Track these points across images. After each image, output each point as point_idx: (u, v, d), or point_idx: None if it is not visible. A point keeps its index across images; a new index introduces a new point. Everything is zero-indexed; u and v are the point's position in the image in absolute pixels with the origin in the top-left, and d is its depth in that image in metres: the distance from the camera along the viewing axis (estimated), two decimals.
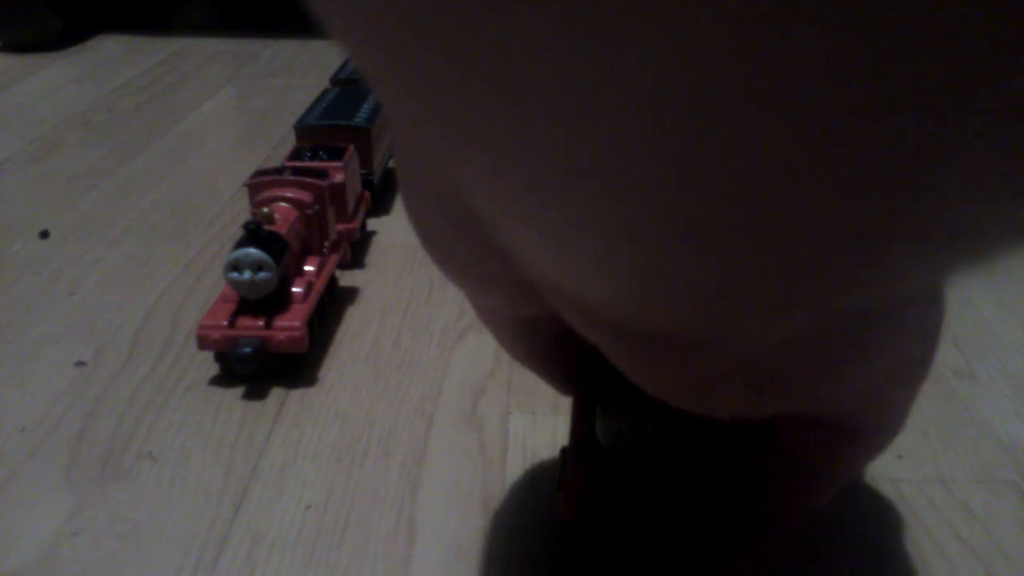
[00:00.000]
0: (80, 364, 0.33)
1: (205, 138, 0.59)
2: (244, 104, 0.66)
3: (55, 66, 0.75)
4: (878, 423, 0.15)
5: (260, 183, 0.35)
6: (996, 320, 0.36)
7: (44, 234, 0.44)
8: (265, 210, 0.33)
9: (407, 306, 0.38)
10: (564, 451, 0.22)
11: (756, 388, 0.13)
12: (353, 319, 0.37)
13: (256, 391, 0.31)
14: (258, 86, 0.70)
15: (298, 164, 0.38)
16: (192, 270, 0.41)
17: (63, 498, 0.26)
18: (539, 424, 0.30)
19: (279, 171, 0.36)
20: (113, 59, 0.78)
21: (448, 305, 0.38)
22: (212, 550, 0.25)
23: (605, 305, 0.11)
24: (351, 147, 0.41)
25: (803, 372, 0.12)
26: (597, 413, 0.20)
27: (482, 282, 0.14)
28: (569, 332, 0.18)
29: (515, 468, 0.28)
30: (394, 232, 0.45)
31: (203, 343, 0.31)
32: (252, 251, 0.30)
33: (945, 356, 0.33)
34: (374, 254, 0.42)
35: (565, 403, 0.31)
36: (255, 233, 0.31)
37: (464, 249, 0.13)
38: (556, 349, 0.19)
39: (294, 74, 0.73)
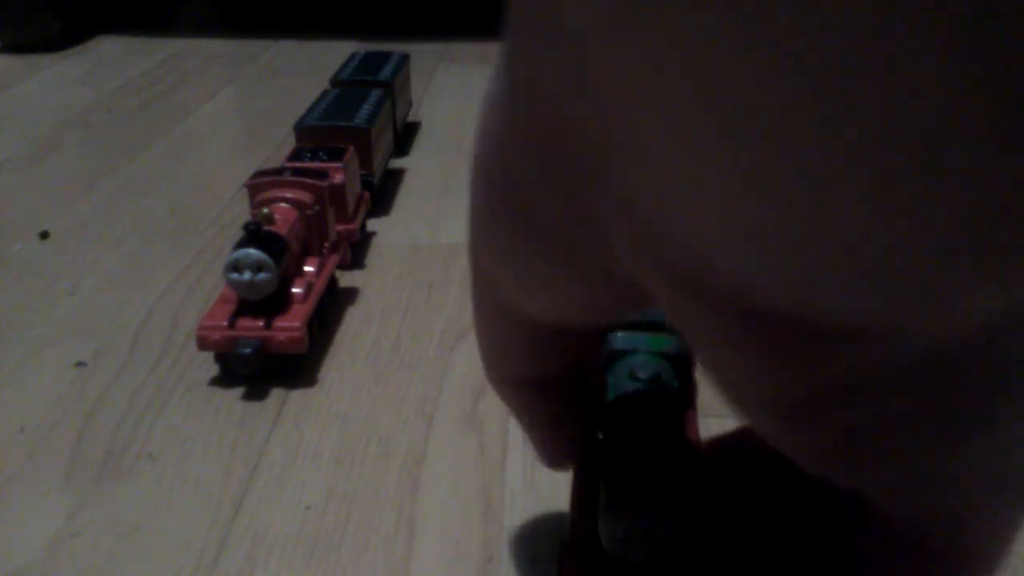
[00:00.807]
0: (80, 365, 0.33)
1: (205, 139, 0.59)
2: (244, 105, 0.66)
3: (55, 67, 0.75)
4: (967, 555, 0.12)
5: (260, 184, 0.35)
6: None
7: (44, 235, 0.44)
8: (265, 211, 0.33)
9: (407, 306, 0.37)
10: (563, 548, 0.20)
11: (864, 434, 0.11)
12: (353, 319, 0.36)
13: (256, 392, 0.31)
14: (258, 87, 0.70)
15: (298, 165, 0.38)
16: (192, 271, 0.41)
17: (63, 499, 0.26)
18: None
19: (279, 172, 0.36)
20: (113, 60, 0.78)
21: (448, 306, 0.37)
22: (212, 550, 0.24)
23: (745, 264, 0.09)
24: (351, 148, 0.41)
25: (923, 424, 0.11)
26: (600, 506, 0.18)
27: (554, 255, 0.11)
28: (586, 378, 0.16)
29: (515, 469, 0.28)
30: (394, 233, 0.45)
31: (203, 344, 0.31)
32: (252, 252, 0.30)
33: None
34: (374, 255, 0.42)
35: None
36: (255, 234, 0.31)
37: (554, 207, 0.11)
38: (567, 387, 0.16)
39: (294, 75, 0.73)
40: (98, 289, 0.39)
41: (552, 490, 0.27)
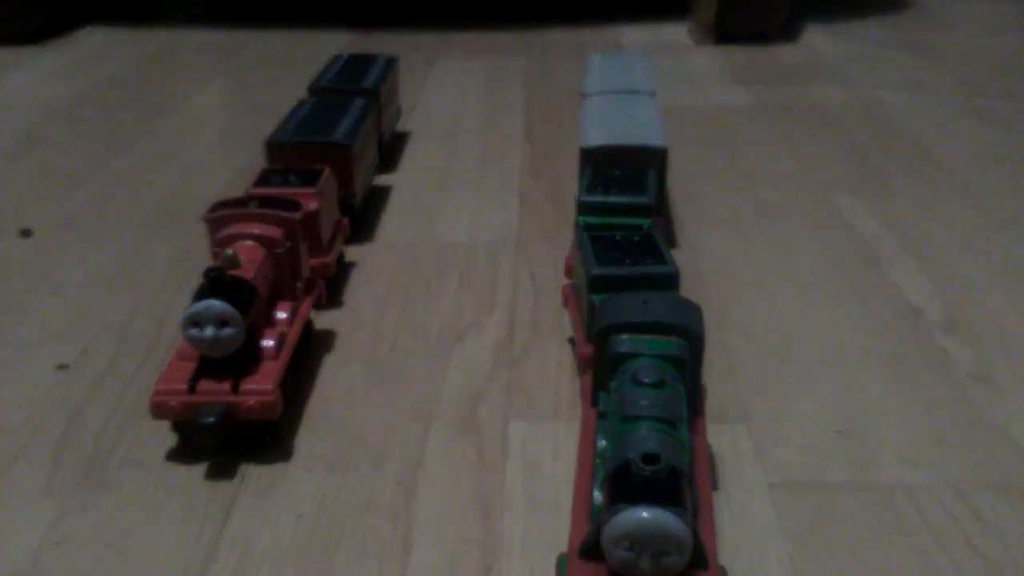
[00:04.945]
0: (63, 367, 0.32)
1: (194, 132, 0.58)
2: (233, 97, 0.65)
3: (39, 59, 0.74)
4: None
5: (222, 218, 0.31)
6: (1013, 323, 0.35)
7: (26, 232, 0.43)
8: (229, 251, 0.28)
9: (403, 307, 0.37)
10: (564, 558, 0.20)
11: None
12: (348, 321, 0.35)
13: None
14: (247, 78, 0.69)
15: (265, 192, 0.34)
16: (179, 269, 0.40)
17: (46, 506, 0.25)
18: (540, 430, 0.29)
19: (243, 203, 0.31)
20: (99, 51, 0.76)
21: (446, 306, 0.37)
22: (200, 561, 0.24)
23: None
24: (326, 169, 0.36)
25: None
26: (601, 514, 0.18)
27: None
28: None
29: (515, 476, 0.27)
30: (393, 230, 0.44)
31: (159, 411, 0.27)
32: (215, 303, 0.26)
33: (960, 359, 0.33)
34: (371, 253, 0.41)
35: (566, 409, 0.30)
36: (217, 282, 0.27)
37: None
38: None
39: (284, 66, 0.72)
40: (82, 289, 0.38)
41: (553, 497, 0.26)
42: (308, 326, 0.33)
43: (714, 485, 0.26)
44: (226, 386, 0.27)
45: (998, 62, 0.72)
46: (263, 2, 0.93)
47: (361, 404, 0.30)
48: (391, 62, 0.52)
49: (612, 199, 0.33)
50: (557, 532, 0.24)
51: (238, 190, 0.48)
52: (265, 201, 0.31)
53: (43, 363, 0.32)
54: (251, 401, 0.26)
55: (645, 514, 0.18)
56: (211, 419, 0.26)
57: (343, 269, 0.39)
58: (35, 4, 0.77)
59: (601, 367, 0.25)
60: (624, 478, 0.19)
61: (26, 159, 0.53)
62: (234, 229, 0.30)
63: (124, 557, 0.24)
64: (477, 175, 0.50)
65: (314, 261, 0.34)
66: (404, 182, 0.49)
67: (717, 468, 0.27)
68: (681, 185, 0.48)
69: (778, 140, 0.55)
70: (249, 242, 0.30)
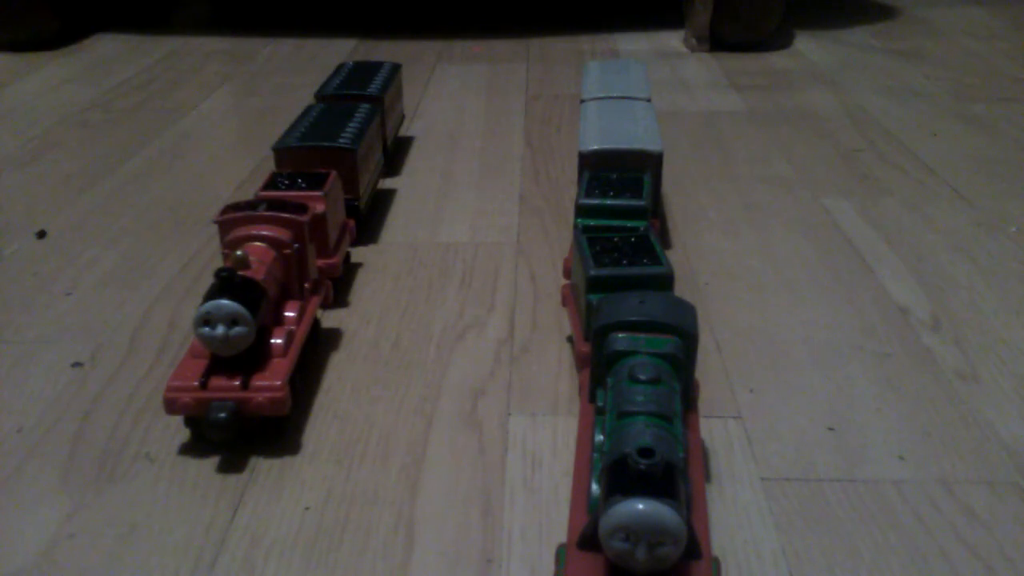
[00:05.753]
0: (77, 365, 0.33)
1: (203, 137, 0.59)
2: (242, 103, 0.65)
3: (52, 65, 0.75)
4: None
5: (232, 220, 0.31)
6: (999, 321, 0.36)
7: (41, 234, 0.44)
8: (239, 253, 0.29)
9: (406, 306, 0.37)
10: (563, 550, 0.21)
11: None
12: (354, 320, 0.36)
13: None
14: (256, 85, 0.70)
15: (274, 195, 0.34)
16: (190, 270, 0.40)
17: (61, 499, 0.26)
18: (539, 425, 0.30)
19: (253, 206, 0.32)
20: (111, 58, 0.77)
21: (448, 305, 0.37)
22: (210, 551, 0.24)
23: None
24: (333, 173, 0.37)
25: None
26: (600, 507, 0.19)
27: None
28: None
29: (515, 469, 0.27)
30: (397, 232, 0.44)
31: (171, 407, 0.27)
32: (225, 303, 0.27)
33: (947, 357, 0.33)
34: (373, 251, 0.42)
35: (564, 405, 0.31)
36: (228, 281, 0.28)
37: None
38: None
39: (292, 72, 0.72)
40: (95, 289, 0.39)
41: (552, 490, 0.27)
42: (315, 325, 0.33)
43: (707, 478, 0.27)
44: (236, 383, 0.27)
45: (985, 67, 0.73)
46: (271, 10, 0.94)
47: (366, 400, 0.31)
48: (395, 69, 0.53)
49: (609, 202, 0.34)
50: (556, 523, 0.25)
51: (247, 193, 0.49)
52: (274, 204, 0.32)
53: (58, 361, 0.33)
54: (261, 397, 0.27)
55: (641, 506, 0.19)
56: (222, 415, 0.27)
57: (349, 270, 0.40)
58: (49, 12, 0.78)
59: (599, 364, 0.26)
60: (621, 471, 0.20)
61: (40, 163, 0.54)
62: (244, 231, 0.31)
63: (136, 548, 0.24)
64: (479, 179, 0.51)
65: (321, 262, 0.35)
66: (408, 186, 0.50)
67: (710, 462, 0.28)
68: (676, 188, 0.49)
69: (770, 144, 0.56)
70: (259, 244, 0.31)
